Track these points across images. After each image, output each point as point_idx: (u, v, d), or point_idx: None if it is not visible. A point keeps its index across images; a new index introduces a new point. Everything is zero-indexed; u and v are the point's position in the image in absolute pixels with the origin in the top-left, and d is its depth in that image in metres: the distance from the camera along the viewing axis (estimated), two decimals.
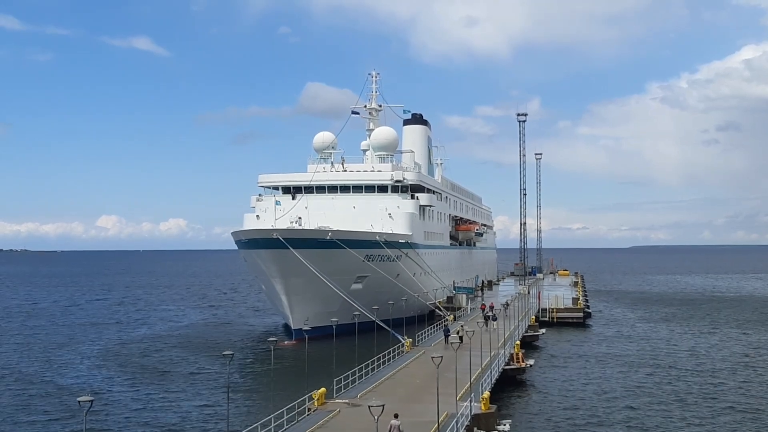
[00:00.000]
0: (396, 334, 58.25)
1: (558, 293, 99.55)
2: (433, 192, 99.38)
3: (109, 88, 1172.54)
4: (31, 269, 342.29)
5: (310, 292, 69.56)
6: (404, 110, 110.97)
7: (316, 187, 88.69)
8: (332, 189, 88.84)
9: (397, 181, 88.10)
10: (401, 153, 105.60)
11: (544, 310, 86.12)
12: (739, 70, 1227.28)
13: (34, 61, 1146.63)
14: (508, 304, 73.37)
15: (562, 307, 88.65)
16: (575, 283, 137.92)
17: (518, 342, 55.42)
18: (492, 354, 48.53)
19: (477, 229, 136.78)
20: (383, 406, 24.06)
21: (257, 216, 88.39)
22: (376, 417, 23.60)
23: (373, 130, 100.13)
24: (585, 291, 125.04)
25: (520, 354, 52.06)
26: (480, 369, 43.96)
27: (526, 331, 68.20)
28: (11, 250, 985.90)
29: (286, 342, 69.73)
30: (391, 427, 28.84)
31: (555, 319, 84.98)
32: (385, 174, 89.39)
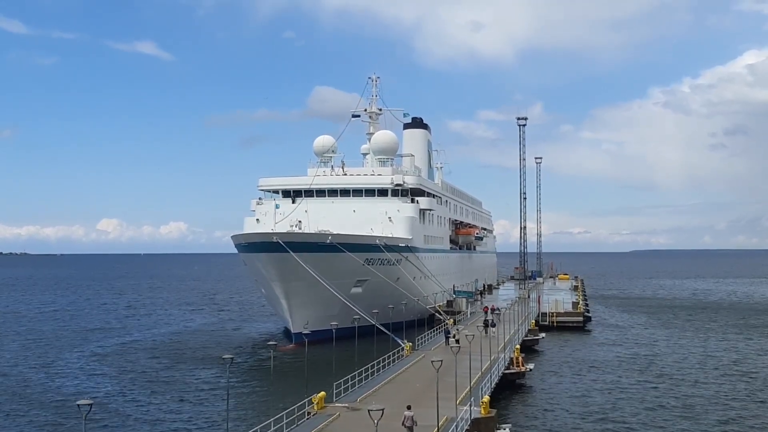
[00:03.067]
0: (396, 338, 58.20)
1: (558, 297, 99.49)
2: (433, 196, 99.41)
3: (112, 91, 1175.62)
4: (32, 273, 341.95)
5: (310, 296, 69.54)
6: (404, 114, 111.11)
7: (316, 191, 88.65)
8: (332, 193, 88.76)
9: (397, 185, 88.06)
10: (401, 157, 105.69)
11: (544, 314, 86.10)
12: (742, 75, 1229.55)
13: (38, 65, 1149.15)
14: (500, 310, 73.13)
15: (562, 311, 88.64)
16: (575, 288, 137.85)
17: (518, 346, 55.36)
18: (492, 358, 48.50)
19: (477, 233, 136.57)
20: (383, 410, 24.02)
21: (257, 219, 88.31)
22: (375, 421, 23.57)
23: (373, 133, 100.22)
24: (585, 295, 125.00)
25: (520, 358, 52.03)
26: (480, 373, 43.93)
27: (526, 336, 68.17)
28: (11, 253, 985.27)
29: (286, 346, 69.68)
30: (404, 418, 29.37)
31: (555, 324, 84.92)
32: (385, 178, 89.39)
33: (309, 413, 35.16)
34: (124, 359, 67.00)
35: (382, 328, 59.11)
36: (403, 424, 29.28)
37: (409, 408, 30.08)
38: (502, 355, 51.48)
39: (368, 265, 74.39)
